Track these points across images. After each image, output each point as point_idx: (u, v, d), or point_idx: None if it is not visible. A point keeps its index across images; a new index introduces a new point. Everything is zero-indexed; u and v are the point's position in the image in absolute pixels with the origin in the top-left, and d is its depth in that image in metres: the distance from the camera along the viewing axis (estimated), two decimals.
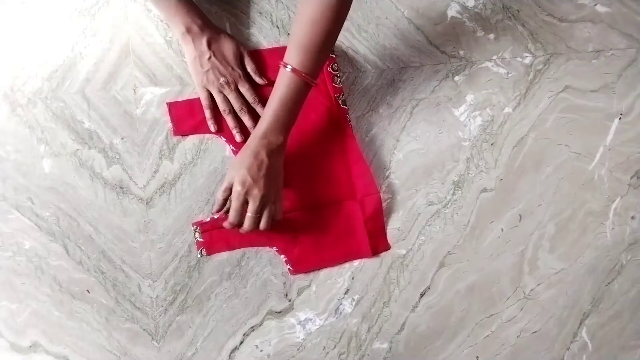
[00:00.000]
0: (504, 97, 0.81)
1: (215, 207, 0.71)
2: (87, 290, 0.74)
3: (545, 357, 0.78)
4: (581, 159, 0.81)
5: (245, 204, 0.68)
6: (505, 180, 0.80)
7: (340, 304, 0.77)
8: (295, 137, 0.75)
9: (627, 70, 0.83)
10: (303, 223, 0.76)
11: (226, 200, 0.71)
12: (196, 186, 0.76)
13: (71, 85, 0.77)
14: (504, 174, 0.80)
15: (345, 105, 0.79)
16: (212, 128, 0.76)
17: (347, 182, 0.77)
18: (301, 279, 0.77)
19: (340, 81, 0.79)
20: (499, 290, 0.78)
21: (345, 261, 0.77)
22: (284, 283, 0.76)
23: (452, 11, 0.82)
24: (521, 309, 0.78)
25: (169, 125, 0.77)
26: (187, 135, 0.77)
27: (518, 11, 0.83)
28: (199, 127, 0.77)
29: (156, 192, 0.76)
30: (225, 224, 0.70)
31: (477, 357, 0.77)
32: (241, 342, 0.75)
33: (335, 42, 0.70)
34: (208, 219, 0.75)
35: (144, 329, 0.75)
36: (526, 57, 0.82)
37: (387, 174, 0.79)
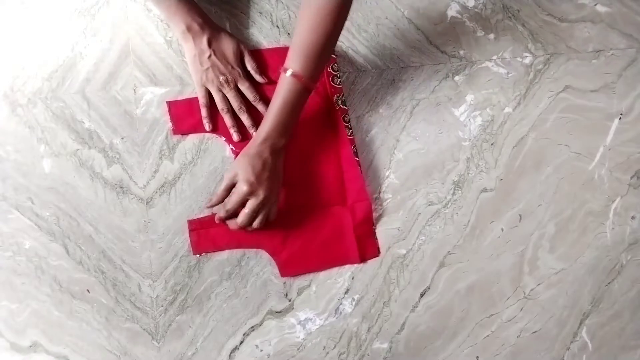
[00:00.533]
0: (504, 97, 0.81)
1: (213, 201, 0.71)
2: (87, 290, 0.74)
3: (545, 357, 0.78)
4: (581, 159, 0.81)
5: (245, 201, 0.69)
6: (505, 180, 0.80)
7: (340, 304, 0.77)
8: (289, 140, 0.75)
9: (627, 70, 0.83)
10: (292, 226, 0.76)
11: (224, 198, 0.71)
12: (196, 186, 0.76)
13: (71, 85, 0.77)
14: (504, 174, 0.80)
15: (345, 106, 0.79)
16: (207, 127, 0.76)
17: (338, 187, 0.77)
18: (301, 279, 0.77)
19: (340, 81, 0.79)
20: (499, 290, 0.78)
21: (333, 266, 0.77)
22: (284, 283, 0.76)
23: (452, 11, 0.82)
24: (521, 309, 0.78)
25: (169, 124, 0.77)
26: (187, 134, 0.77)
27: (518, 11, 0.83)
28: (199, 126, 0.77)
29: (156, 192, 0.76)
30: (218, 215, 0.70)
31: (477, 357, 0.77)
32: (241, 342, 0.75)
33: (335, 46, 0.71)
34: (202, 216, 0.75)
35: (144, 329, 0.75)
36: (526, 57, 0.82)
37: (387, 174, 0.79)
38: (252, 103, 0.76)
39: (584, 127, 0.82)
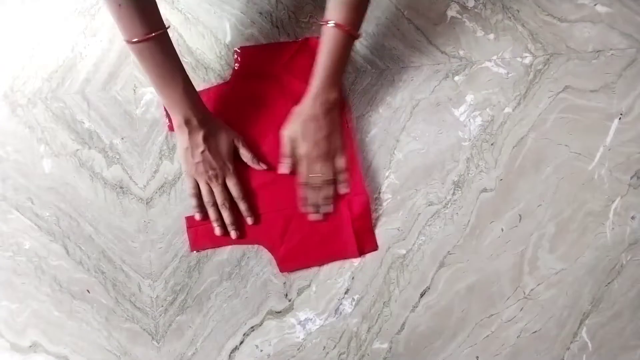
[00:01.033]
0: (504, 97, 0.81)
1: (283, 168, 0.75)
2: (87, 290, 0.74)
3: (545, 357, 0.78)
4: (581, 159, 0.81)
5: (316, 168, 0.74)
6: (505, 180, 0.80)
7: (340, 304, 0.77)
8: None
9: (627, 70, 0.83)
10: (290, 221, 0.76)
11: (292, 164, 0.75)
12: None
13: (71, 85, 0.77)
14: (504, 174, 0.80)
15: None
16: (197, 217, 0.75)
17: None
18: (301, 279, 0.77)
19: None
20: (499, 290, 0.78)
21: (332, 260, 0.77)
22: (284, 283, 0.76)
23: (452, 11, 0.82)
24: (521, 309, 0.78)
25: (166, 116, 0.77)
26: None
27: (518, 11, 0.83)
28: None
29: (156, 192, 0.76)
30: (306, 209, 0.75)
31: (477, 357, 0.77)
32: (241, 342, 0.75)
33: None
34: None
35: (144, 329, 0.75)
36: (526, 57, 0.82)
37: (387, 174, 0.79)
38: (236, 200, 0.75)
39: (583, 127, 0.82)
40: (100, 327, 0.74)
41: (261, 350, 0.75)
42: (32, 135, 0.76)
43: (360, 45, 0.81)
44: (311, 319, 0.76)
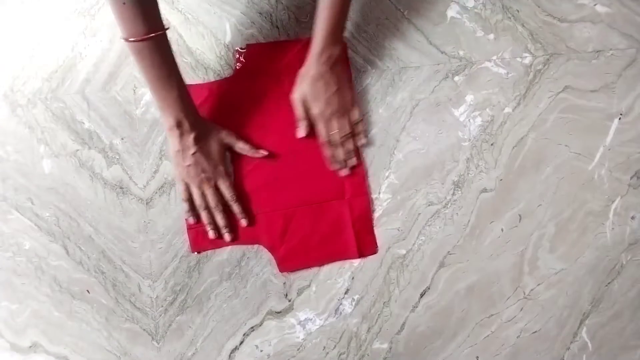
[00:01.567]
0: (503, 97, 0.81)
1: (302, 131, 0.76)
2: (87, 291, 0.74)
3: (545, 357, 0.78)
4: (581, 159, 0.81)
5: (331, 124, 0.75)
6: (505, 180, 0.80)
7: (340, 304, 0.77)
8: (285, 134, 0.76)
9: (627, 70, 0.83)
10: (290, 221, 0.76)
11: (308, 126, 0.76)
12: None
13: (71, 85, 0.77)
14: (504, 174, 0.80)
15: None
16: (191, 220, 0.75)
17: (336, 181, 0.78)
18: (301, 279, 0.77)
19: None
20: (499, 290, 0.78)
21: (332, 261, 0.77)
22: (284, 283, 0.76)
23: (452, 11, 0.82)
24: (521, 309, 0.78)
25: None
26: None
27: (518, 11, 0.83)
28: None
29: (156, 192, 0.76)
30: (328, 150, 0.76)
31: (477, 357, 0.77)
32: (241, 342, 0.75)
33: None
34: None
35: (144, 329, 0.75)
36: (526, 57, 0.82)
37: (387, 174, 0.79)
38: (228, 202, 0.75)
39: (583, 127, 0.82)
40: (100, 327, 0.74)
41: (261, 351, 0.75)
42: (32, 136, 0.76)
43: (360, 45, 0.81)
44: (311, 319, 0.76)
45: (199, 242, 0.75)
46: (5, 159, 0.76)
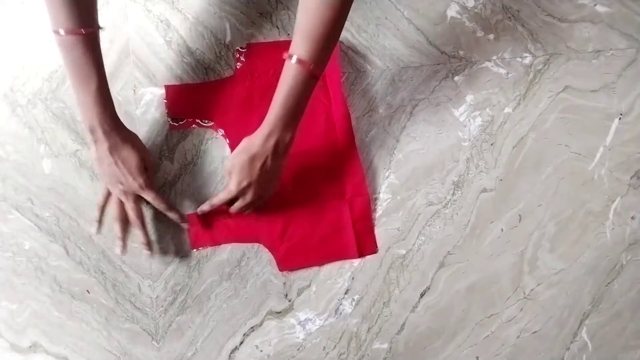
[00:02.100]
0: (503, 97, 0.81)
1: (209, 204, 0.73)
2: (87, 291, 0.74)
3: (545, 357, 0.78)
4: (581, 159, 0.81)
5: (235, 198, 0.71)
6: (505, 180, 0.80)
7: (340, 304, 0.77)
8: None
9: (627, 70, 0.83)
10: (290, 220, 0.76)
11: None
12: (196, 186, 0.76)
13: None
14: (504, 174, 0.80)
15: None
16: (93, 230, 0.73)
17: (337, 181, 0.78)
18: (301, 279, 0.77)
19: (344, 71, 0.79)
20: (499, 290, 0.78)
21: (331, 261, 0.77)
22: (284, 283, 0.76)
23: (452, 11, 0.82)
24: (521, 309, 0.78)
25: (166, 106, 0.76)
26: (182, 118, 0.76)
27: (518, 11, 0.83)
28: (195, 112, 0.77)
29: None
30: (201, 208, 0.73)
31: (477, 357, 0.77)
32: (241, 342, 0.75)
33: (342, 29, 0.64)
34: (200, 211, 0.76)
35: (144, 329, 0.75)
36: (526, 57, 0.82)
37: (387, 174, 0.79)
38: (165, 212, 0.72)
39: (583, 127, 0.82)
40: (100, 327, 0.74)
41: (261, 351, 0.75)
42: (32, 136, 0.76)
43: (360, 45, 0.81)
44: (311, 319, 0.76)
45: (199, 239, 0.75)
46: (5, 159, 0.75)
